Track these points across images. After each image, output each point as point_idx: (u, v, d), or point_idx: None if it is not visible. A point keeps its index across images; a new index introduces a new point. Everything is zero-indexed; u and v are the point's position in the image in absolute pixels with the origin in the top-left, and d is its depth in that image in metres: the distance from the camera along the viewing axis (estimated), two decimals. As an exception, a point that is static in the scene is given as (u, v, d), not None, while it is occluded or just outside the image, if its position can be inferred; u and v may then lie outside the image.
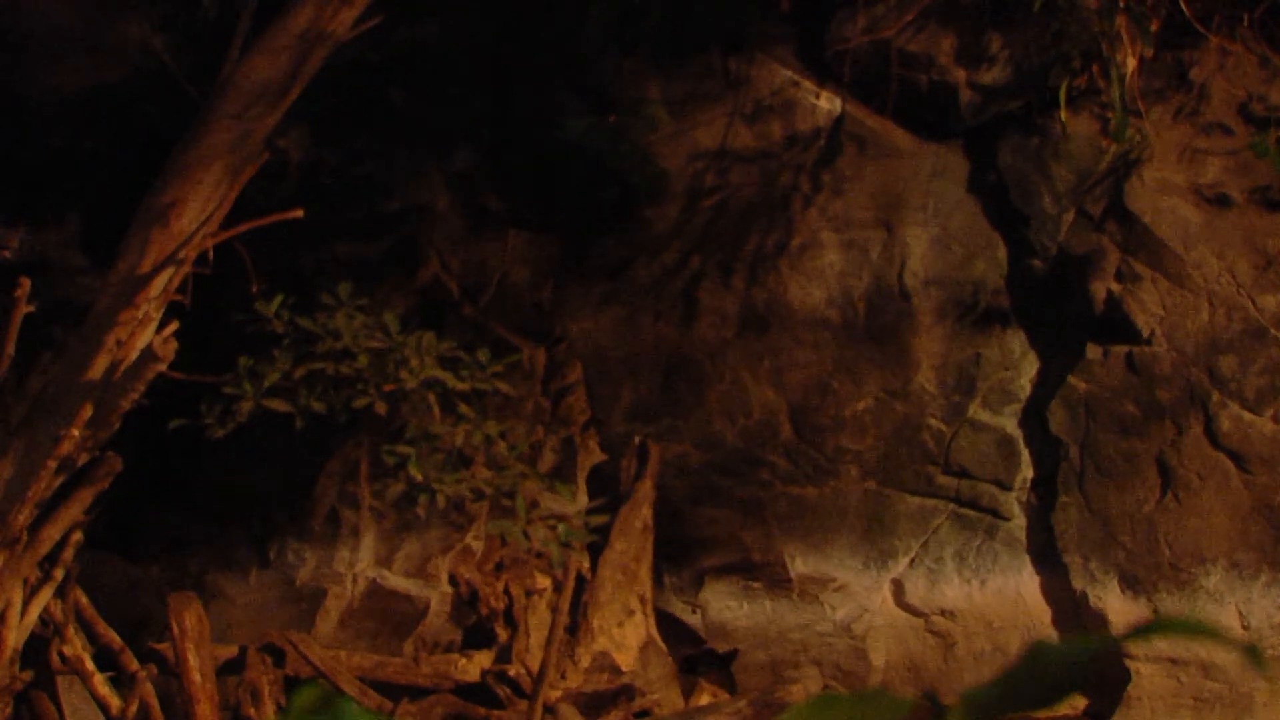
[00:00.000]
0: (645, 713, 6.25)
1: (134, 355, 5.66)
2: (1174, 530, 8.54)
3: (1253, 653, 1.20)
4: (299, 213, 5.71)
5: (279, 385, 5.97)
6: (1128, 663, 8.49)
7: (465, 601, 7.25)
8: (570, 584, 6.31)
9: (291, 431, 6.19)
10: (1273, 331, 8.48)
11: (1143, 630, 1.27)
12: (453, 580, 7.68)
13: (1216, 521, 8.50)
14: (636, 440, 8.04)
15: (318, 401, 5.97)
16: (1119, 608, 8.54)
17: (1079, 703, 8.71)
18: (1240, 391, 8.48)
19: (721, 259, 9.13)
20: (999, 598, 8.84)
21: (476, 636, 7.21)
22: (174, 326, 5.69)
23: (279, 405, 5.98)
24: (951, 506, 8.99)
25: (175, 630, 5.76)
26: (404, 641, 8.55)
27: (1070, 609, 8.65)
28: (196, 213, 5.67)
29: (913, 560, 9.02)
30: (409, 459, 6.04)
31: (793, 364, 9.07)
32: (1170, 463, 8.57)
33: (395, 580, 8.76)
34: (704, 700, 6.87)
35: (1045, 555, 8.81)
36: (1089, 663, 1.26)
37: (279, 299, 6.06)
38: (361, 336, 6.01)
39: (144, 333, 5.70)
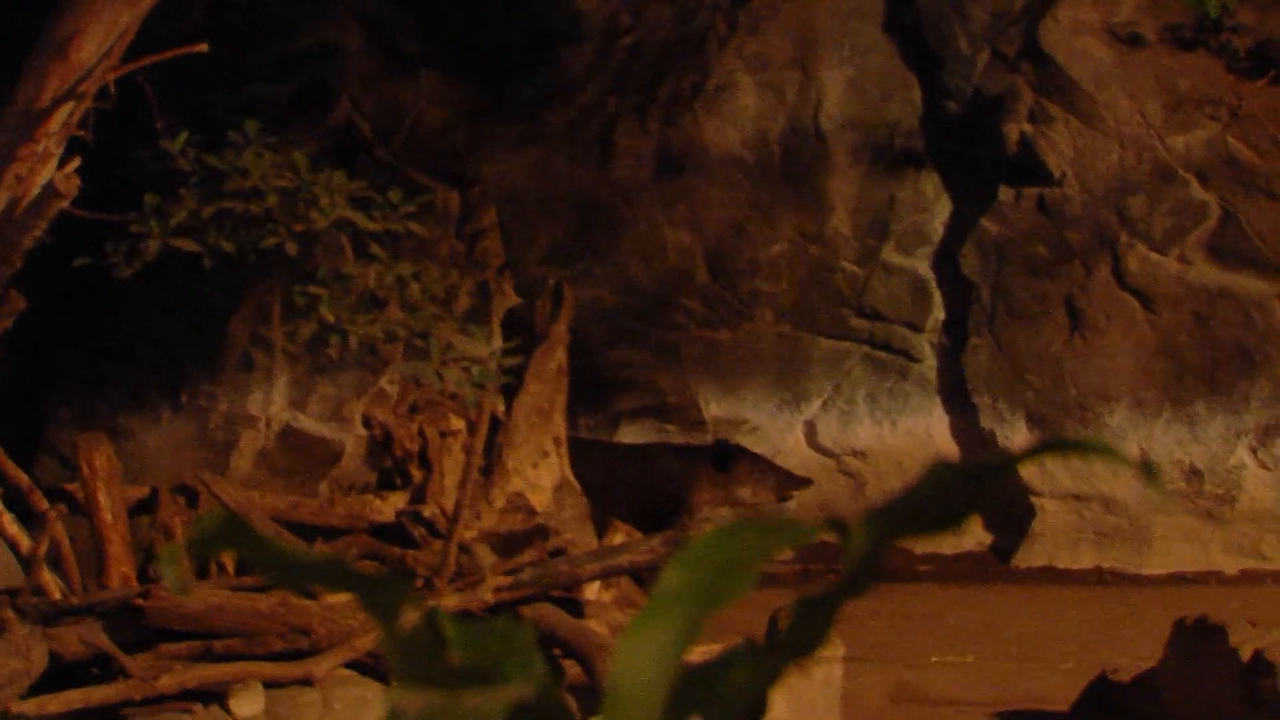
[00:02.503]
0: (559, 552, 6.29)
1: (35, 192, 5.53)
2: (1080, 370, 8.66)
3: (1148, 470, 1.19)
4: (203, 47, 5.56)
5: (186, 224, 5.85)
6: (1032, 499, 8.66)
7: (380, 444, 7.23)
8: (484, 425, 6.30)
9: (201, 272, 6.10)
10: (1181, 172, 8.53)
11: (1040, 449, 1.25)
12: (367, 423, 7.65)
13: (1122, 361, 8.63)
14: (551, 283, 7.99)
15: (227, 241, 5.87)
16: (1026, 446, 8.69)
17: (985, 539, 8.88)
18: (1148, 232, 8.55)
19: (637, 101, 9.04)
20: (909, 438, 8.96)
21: (391, 478, 7.21)
22: (76, 163, 5.55)
23: (186, 245, 5.88)
24: (864, 349, 9.06)
25: (85, 470, 5.71)
26: (319, 484, 8.55)
27: (979, 448, 8.78)
28: (97, 45, 5.51)
29: (825, 402, 9.10)
30: (320, 300, 5.98)
31: (708, 207, 9.04)
32: (1079, 304, 8.66)
33: (309, 423, 8.74)
34: (618, 539, 6.92)
35: (955, 396, 8.92)
36: (989, 482, 1.25)
37: (184, 136, 5.92)
38: (270, 175, 5.89)
39: (45, 169, 5.56)
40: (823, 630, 1.30)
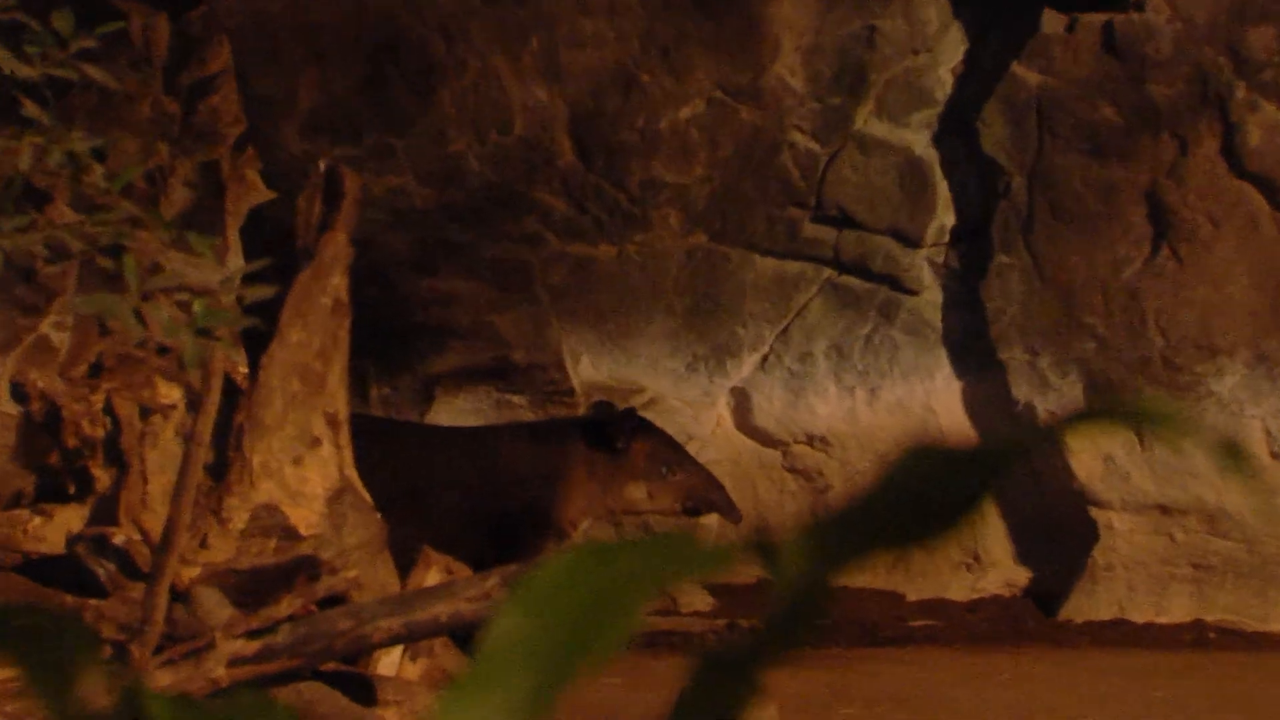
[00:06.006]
0: (337, 599, 6.30)
1: None
2: (1170, 306, 8.77)
3: (1231, 450, 1.21)
4: None
5: None
6: (1093, 513, 8.77)
7: (40, 426, 7.20)
8: (214, 398, 6.28)
9: None
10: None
11: (1077, 418, 1.28)
12: (19, 393, 7.61)
13: (1236, 290, 8.74)
14: (323, 166, 7.98)
15: None
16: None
17: (1018, 577, 8.99)
18: (1278, 82, 8.68)
19: None
20: (898, 415, 9.04)
21: (59, 483, 7.19)
22: None
23: None
24: (826, 273, 9.12)
25: None
26: (-59, 493, 8.50)
27: (1009, 429, 8.89)
28: None
29: (765, 359, 9.16)
30: (-61, 191, 5.93)
31: (576, 46, 9.05)
32: (1168, 199, 8.76)
33: (-75, 394, 8.68)
34: (431, 578, 6.94)
35: (972, 348, 9.01)
36: (999, 472, 1.27)
37: None
38: None
39: None
40: (737, 707, 1.31)
